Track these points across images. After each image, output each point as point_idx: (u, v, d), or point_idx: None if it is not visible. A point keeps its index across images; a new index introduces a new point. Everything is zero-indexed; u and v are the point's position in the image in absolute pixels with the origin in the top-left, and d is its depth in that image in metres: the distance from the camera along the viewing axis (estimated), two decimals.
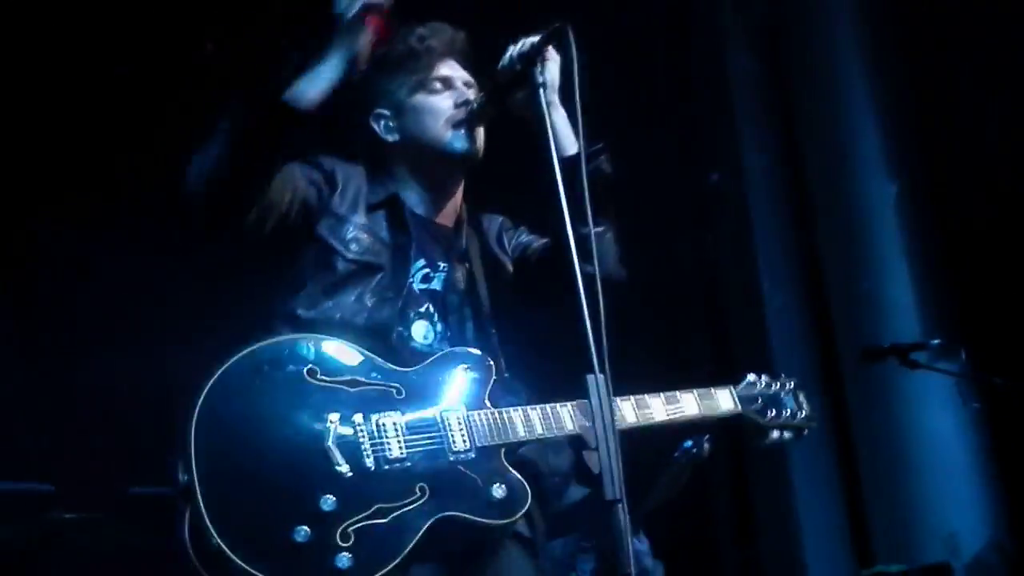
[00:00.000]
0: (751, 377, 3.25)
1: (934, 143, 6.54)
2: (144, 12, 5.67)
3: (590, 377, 2.24)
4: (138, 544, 5.05)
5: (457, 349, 2.90)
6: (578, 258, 2.45)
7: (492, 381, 2.83)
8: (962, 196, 6.34)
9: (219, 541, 2.41)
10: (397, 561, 2.53)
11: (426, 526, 2.59)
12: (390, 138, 3.10)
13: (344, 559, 2.48)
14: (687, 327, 7.10)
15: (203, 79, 5.83)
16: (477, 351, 2.89)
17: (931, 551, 5.72)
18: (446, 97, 3.06)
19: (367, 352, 2.76)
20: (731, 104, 7.01)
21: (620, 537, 2.08)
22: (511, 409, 2.79)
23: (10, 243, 5.65)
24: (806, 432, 3.29)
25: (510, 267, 3.19)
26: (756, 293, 6.67)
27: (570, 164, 2.64)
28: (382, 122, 3.11)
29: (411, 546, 2.55)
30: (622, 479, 2.10)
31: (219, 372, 2.59)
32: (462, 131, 3.02)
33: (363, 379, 2.70)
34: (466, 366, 2.84)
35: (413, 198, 3.10)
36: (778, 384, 3.28)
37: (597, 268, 2.46)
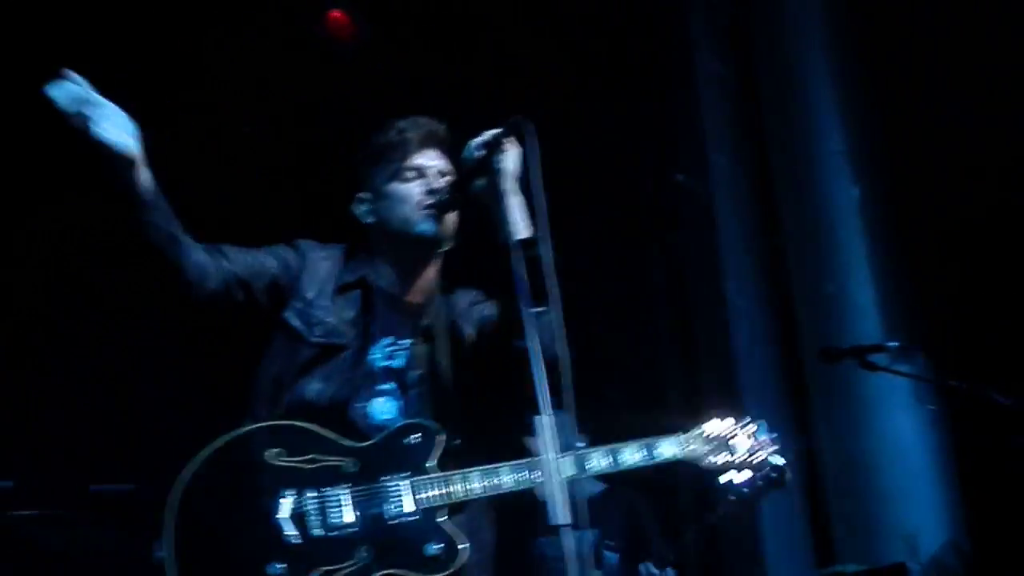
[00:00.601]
0: (702, 426, 3.31)
1: (898, 146, 6.59)
2: None
3: (536, 419, 2.44)
4: (97, 541, 5.05)
5: (408, 422, 3.11)
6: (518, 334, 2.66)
7: (440, 447, 3.05)
8: (925, 199, 6.39)
9: None
10: None
11: None
12: (368, 220, 3.35)
13: None
14: (652, 328, 7.13)
15: None
16: (426, 421, 3.11)
17: (891, 551, 5.76)
18: (417, 185, 3.27)
19: (328, 433, 3.02)
20: (697, 106, 7.04)
21: (569, 561, 2.30)
22: (455, 473, 3.02)
23: None
24: (775, 475, 3.31)
25: (471, 334, 3.37)
26: (719, 294, 6.71)
27: (517, 248, 2.86)
28: (362, 206, 3.37)
29: None
30: (570, 505, 2.31)
31: (198, 461, 2.91)
32: (430, 216, 3.22)
33: (321, 457, 2.98)
34: (415, 435, 3.07)
35: (385, 278, 3.31)
36: (733, 429, 3.33)
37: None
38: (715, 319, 6.78)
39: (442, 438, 3.07)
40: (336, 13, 6.58)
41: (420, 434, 3.08)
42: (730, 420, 3.31)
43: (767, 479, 3.27)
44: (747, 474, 3.25)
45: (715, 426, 3.29)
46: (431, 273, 3.37)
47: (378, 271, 3.31)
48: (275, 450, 2.95)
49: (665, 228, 7.07)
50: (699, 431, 3.28)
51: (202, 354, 5.56)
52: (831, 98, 6.66)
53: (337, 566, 2.85)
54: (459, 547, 2.93)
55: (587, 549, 5.42)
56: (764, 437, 3.32)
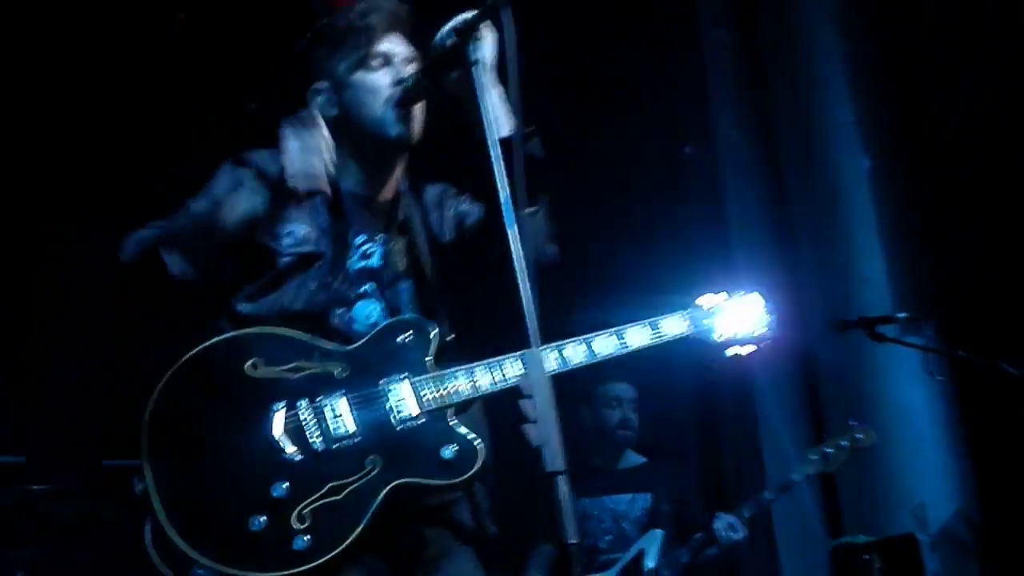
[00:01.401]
0: (702, 299, 3.17)
1: (909, 117, 6.56)
2: None
3: (531, 352, 2.22)
4: (109, 516, 5.06)
5: (395, 319, 2.90)
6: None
7: (436, 343, 2.84)
8: (935, 170, 6.36)
9: (181, 542, 2.52)
10: (355, 535, 2.59)
11: (381, 495, 2.63)
12: (329, 113, 3.03)
13: (302, 541, 2.56)
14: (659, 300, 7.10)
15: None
16: (415, 317, 2.91)
17: (901, 522, 5.77)
18: (384, 74, 3.01)
19: (307, 337, 2.80)
20: (705, 77, 7.01)
21: (562, 508, 2.08)
22: (457, 368, 2.80)
23: None
24: (762, 345, 3.18)
25: (449, 233, 3.17)
26: (729, 266, 6.69)
27: (503, 146, 2.59)
28: (320, 97, 3.06)
29: (368, 518, 2.61)
30: (563, 450, 2.10)
31: (162, 383, 2.68)
32: (398, 111, 2.98)
33: (306, 364, 2.75)
34: (406, 334, 2.84)
35: (351, 177, 3.06)
36: (734, 299, 3.18)
37: (520, 248, 2.44)
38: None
39: (435, 332, 2.85)
40: None
41: (411, 331, 2.84)
42: (724, 294, 3.17)
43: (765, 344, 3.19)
44: (751, 348, 3.16)
45: (714, 299, 3.15)
46: (398, 169, 3.13)
47: (343, 170, 3.01)
48: (252, 360, 2.71)
49: (673, 200, 7.03)
50: (701, 306, 3.13)
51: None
52: (840, 68, 6.62)
53: (345, 479, 2.64)
54: (476, 446, 2.69)
55: (639, 513, 5.48)
56: (763, 307, 3.19)
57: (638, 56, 6.98)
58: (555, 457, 2.08)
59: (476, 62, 2.68)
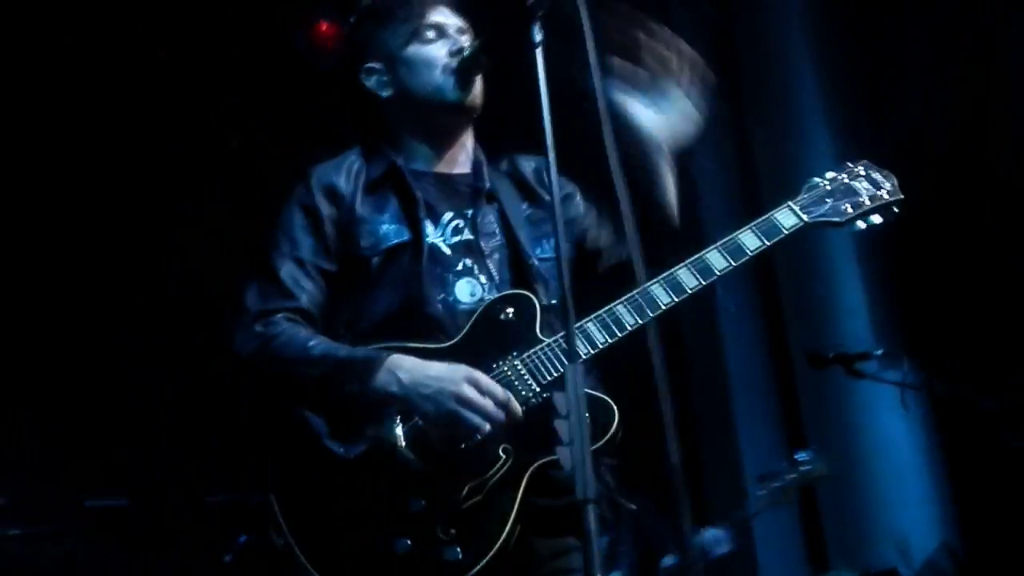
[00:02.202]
0: (813, 180, 3.00)
1: (886, 147, 6.58)
2: None
3: (568, 368, 2.10)
4: (88, 558, 4.99)
5: (491, 299, 2.77)
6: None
7: (539, 312, 2.72)
8: (914, 202, 6.36)
9: None
10: (507, 530, 2.49)
11: (524, 482, 2.53)
12: (384, 93, 2.99)
13: (453, 552, 2.46)
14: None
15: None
16: (512, 291, 2.78)
17: (884, 555, 5.77)
18: (440, 46, 2.94)
19: (410, 343, 2.68)
20: None
21: (589, 539, 1.96)
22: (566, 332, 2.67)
23: None
24: (896, 208, 3.01)
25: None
26: (710, 299, 6.69)
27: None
28: (374, 77, 3.01)
29: (515, 510, 2.50)
30: (593, 479, 1.97)
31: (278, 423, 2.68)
32: (457, 78, 2.89)
33: None
34: (507, 310, 2.73)
35: (420, 156, 2.98)
36: (845, 174, 3.02)
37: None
38: (706, 324, 6.76)
39: (536, 303, 2.72)
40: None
41: (511, 307, 2.72)
42: (831, 173, 2.99)
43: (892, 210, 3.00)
44: (877, 217, 2.98)
45: (825, 179, 2.98)
46: (468, 141, 3.03)
47: (409, 152, 2.97)
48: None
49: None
50: (812, 187, 2.96)
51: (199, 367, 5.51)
52: (818, 101, 6.65)
53: (481, 477, 2.51)
54: (610, 402, 2.53)
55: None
56: (876, 172, 3.03)
57: None
58: (587, 483, 1.96)
59: (541, 43, 2.43)
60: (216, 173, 6.15)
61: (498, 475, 2.53)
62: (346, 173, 2.94)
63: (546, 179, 2.95)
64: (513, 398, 2.58)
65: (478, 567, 2.44)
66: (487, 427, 2.53)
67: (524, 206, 3.00)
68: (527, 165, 3.08)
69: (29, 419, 5.68)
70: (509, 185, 3.03)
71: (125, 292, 5.94)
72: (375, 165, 2.96)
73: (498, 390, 2.57)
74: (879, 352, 4.97)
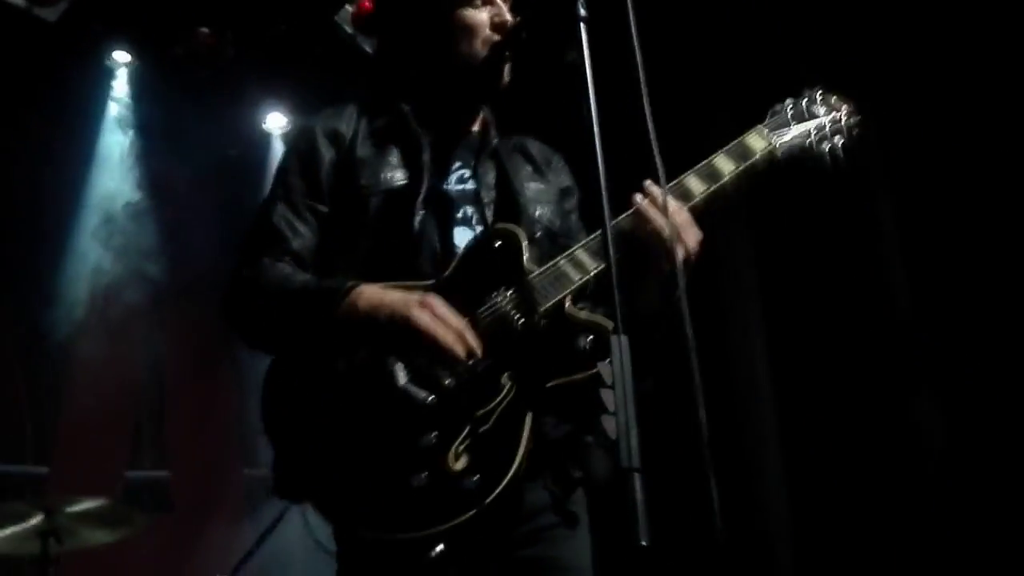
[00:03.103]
0: (775, 106, 3.06)
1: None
2: None
3: (613, 338, 2.07)
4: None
5: (477, 234, 2.80)
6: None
7: (524, 245, 2.71)
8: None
9: (369, 531, 2.46)
10: (520, 455, 2.47)
11: (529, 410, 2.52)
12: (416, 50, 3.02)
13: (470, 481, 2.45)
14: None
15: None
16: (496, 226, 2.79)
17: None
18: (486, 11, 2.93)
19: (399, 282, 2.66)
20: None
21: (634, 507, 1.92)
22: (558, 258, 2.69)
23: None
24: (856, 129, 3.06)
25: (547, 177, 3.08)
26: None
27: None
28: (411, 32, 3.04)
29: (526, 433, 2.49)
30: (638, 448, 1.96)
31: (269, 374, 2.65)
32: (493, 52, 2.90)
33: None
34: (495, 243, 2.74)
35: (440, 108, 2.99)
36: (803, 99, 3.07)
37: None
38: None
39: (521, 236, 2.71)
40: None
41: (499, 240, 2.73)
42: (790, 100, 3.05)
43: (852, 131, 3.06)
44: (839, 138, 3.03)
45: (786, 105, 3.04)
46: (486, 108, 3.07)
47: (424, 106, 2.97)
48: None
49: None
50: (775, 113, 3.02)
51: None
52: None
53: (489, 404, 2.50)
54: (609, 326, 2.34)
55: None
56: (832, 96, 3.08)
57: None
58: (632, 453, 1.95)
59: (585, 18, 2.41)
60: None
61: (504, 403, 2.52)
62: (348, 118, 2.96)
63: (554, 163, 3.09)
64: (470, 330, 2.57)
65: (497, 491, 2.43)
66: (447, 350, 2.53)
67: (528, 170, 3.05)
68: (535, 145, 3.14)
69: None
70: (515, 153, 3.07)
71: None
72: (381, 112, 2.98)
73: (451, 318, 2.56)
74: None
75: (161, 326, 7.24)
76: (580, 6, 2.40)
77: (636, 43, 2.35)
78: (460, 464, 2.46)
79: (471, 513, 2.41)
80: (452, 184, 2.89)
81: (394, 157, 2.87)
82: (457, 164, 2.93)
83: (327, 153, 2.89)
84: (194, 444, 7.09)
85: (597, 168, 2.24)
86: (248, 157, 7.59)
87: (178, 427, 7.15)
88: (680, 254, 2.59)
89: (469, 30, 2.93)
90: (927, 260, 5.72)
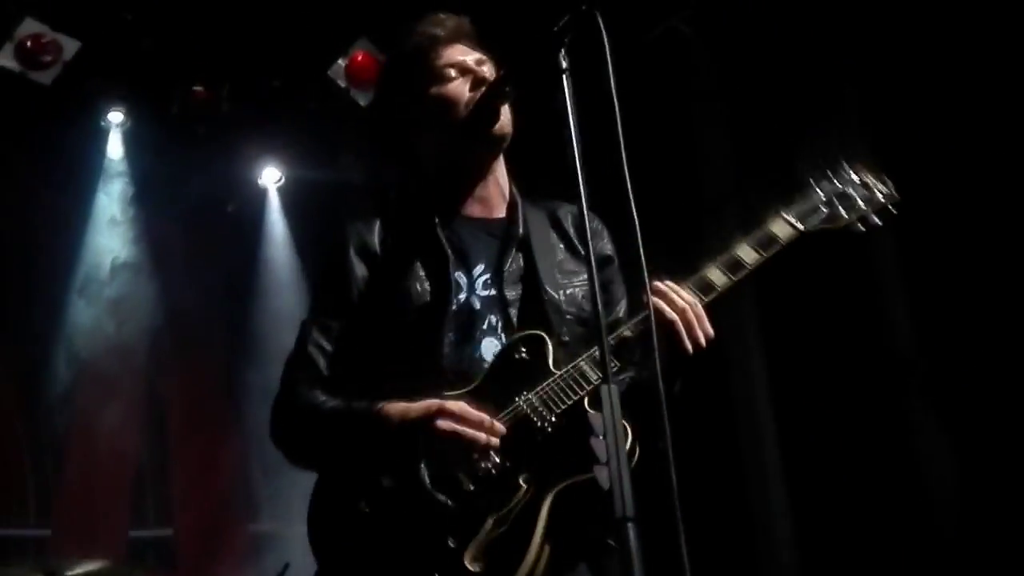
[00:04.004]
0: (807, 187, 2.97)
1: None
2: None
3: (602, 388, 2.10)
4: None
5: (508, 340, 2.81)
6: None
7: (551, 348, 2.75)
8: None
9: None
10: (531, 556, 2.53)
11: (544, 510, 2.57)
12: (415, 136, 3.03)
13: None
14: None
15: None
16: (522, 333, 2.80)
17: None
18: (462, 83, 2.96)
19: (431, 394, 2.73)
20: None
21: (629, 555, 1.95)
22: (578, 360, 2.70)
23: None
24: (894, 210, 3.00)
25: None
26: None
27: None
28: (406, 121, 3.04)
29: (538, 536, 2.55)
30: (631, 496, 1.98)
31: (318, 484, 2.76)
32: (483, 111, 2.90)
33: None
34: (520, 351, 2.77)
35: (453, 198, 3.01)
36: (838, 180, 2.99)
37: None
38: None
39: (547, 341, 2.75)
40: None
41: (524, 347, 2.76)
42: (825, 180, 2.96)
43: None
44: (875, 219, 2.97)
45: (820, 185, 2.95)
46: (502, 178, 3.05)
47: (442, 194, 2.99)
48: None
49: None
50: (806, 195, 2.94)
51: None
52: None
53: (504, 508, 2.56)
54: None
55: None
56: (870, 176, 3.00)
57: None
58: (625, 501, 1.98)
59: (566, 70, 2.42)
60: None
61: (520, 504, 2.58)
62: (379, 228, 2.98)
63: (581, 223, 3.00)
64: (489, 418, 2.63)
65: None
66: (476, 449, 2.60)
67: (558, 252, 3.02)
68: (569, 212, 3.08)
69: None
70: (546, 227, 3.05)
71: None
72: (408, 217, 3.00)
73: (471, 412, 2.62)
74: None
75: (161, 382, 7.24)
76: (561, 58, 2.40)
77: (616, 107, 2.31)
78: (477, 566, 2.53)
79: None
80: (479, 290, 2.90)
81: (422, 272, 2.89)
82: (481, 267, 2.92)
83: (358, 269, 2.93)
84: (198, 500, 7.07)
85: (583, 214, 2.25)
86: (244, 211, 7.64)
87: (181, 483, 7.13)
88: (690, 347, 2.65)
89: (451, 103, 2.95)
90: (927, 284, 5.74)
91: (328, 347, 2.88)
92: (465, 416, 2.61)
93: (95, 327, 6.75)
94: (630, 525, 1.97)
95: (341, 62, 6.66)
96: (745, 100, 6.47)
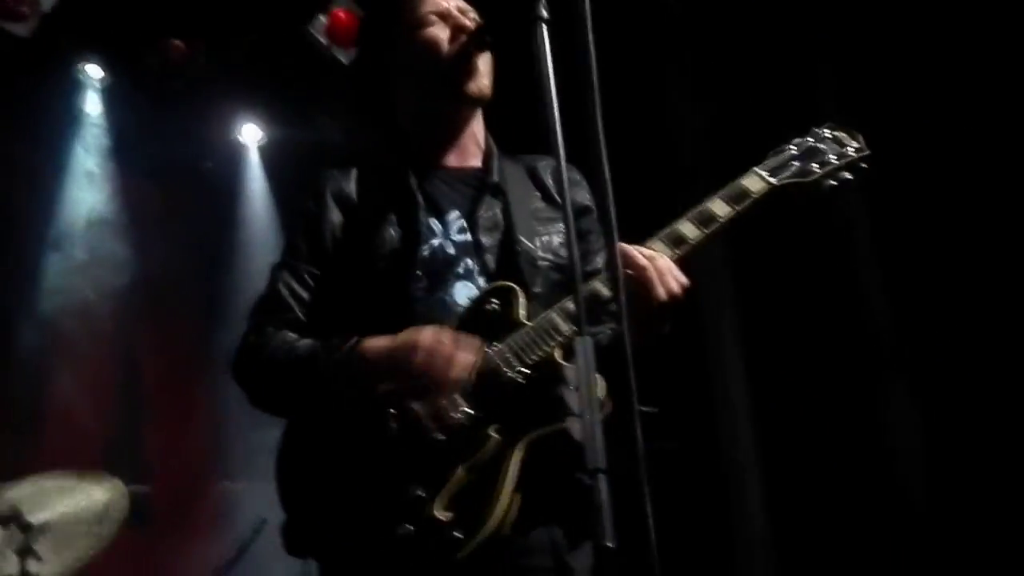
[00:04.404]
0: (780, 146, 2.98)
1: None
2: None
3: (576, 340, 2.05)
4: None
5: (474, 297, 2.80)
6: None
7: (523, 300, 2.73)
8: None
9: None
10: (501, 507, 2.52)
11: (514, 460, 2.57)
12: (395, 84, 3.03)
13: (452, 533, 2.51)
14: None
15: None
16: (492, 284, 2.80)
17: None
18: (442, 28, 2.95)
19: None
20: None
21: (599, 508, 1.92)
22: (549, 311, 2.68)
23: None
24: (865, 164, 2.99)
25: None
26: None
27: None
28: (386, 69, 3.04)
29: (508, 486, 2.54)
30: (604, 448, 1.95)
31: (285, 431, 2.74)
32: (462, 62, 2.91)
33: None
34: (492, 302, 2.75)
35: (430, 147, 3.01)
36: (810, 137, 3.00)
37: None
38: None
39: (519, 293, 2.74)
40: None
41: (496, 299, 2.75)
42: (797, 139, 2.97)
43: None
44: (846, 174, 2.95)
45: (791, 145, 2.95)
46: (479, 131, 3.06)
47: (419, 143, 3.01)
48: (336, 378, 2.68)
49: None
50: (778, 152, 2.93)
51: None
52: None
53: (475, 457, 2.57)
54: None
55: None
56: (841, 132, 3.00)
57: None
58: (597, 453, 1.94)
59: (542, 18, 2.34)
60: None
61: (490, 453, 2.58)
62: (356, 177, 2.99)
63: (558, 171, 2.96)
64: (467, 351, 2.62)
65: (478, 539, 2.49)
66: (442, 393, 2.60)
67: (535, 200, 3.01)
68: (547, 165, 3.08)
69: None
70: (523, 178, 3.04)
71: None
72: (383, 166, 3.01)
73: (441, 352, 2.61)
74: None
75: (135, 340, 7.21)
76: (541, 7, 2.34)
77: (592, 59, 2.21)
78: (446, 516, 2.53)
79: (452, 562, 2.48)
80: (454, 235, 2.89)
81: (392, 218, 2.88)
82: (455, 214, 2.92)
83: (335, 216, 2.93)
84: (172, 458, 7.05)
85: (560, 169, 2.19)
86: (222, 169, 7.59)
87: (155, 441, 7.11)
88: (663, 297, 2.61)
89: (430, 48, 2.94)
90: (902, 263, 5.76)
91: (300, 291, 2.86)
92: (437, 352, 2.61)
93: (69, 285, 6.71)
94: (602, 477, 1.94)
95: (321, 18, 6.61)
96: (721, 72, 6.47)
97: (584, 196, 3.02)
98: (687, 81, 6.79)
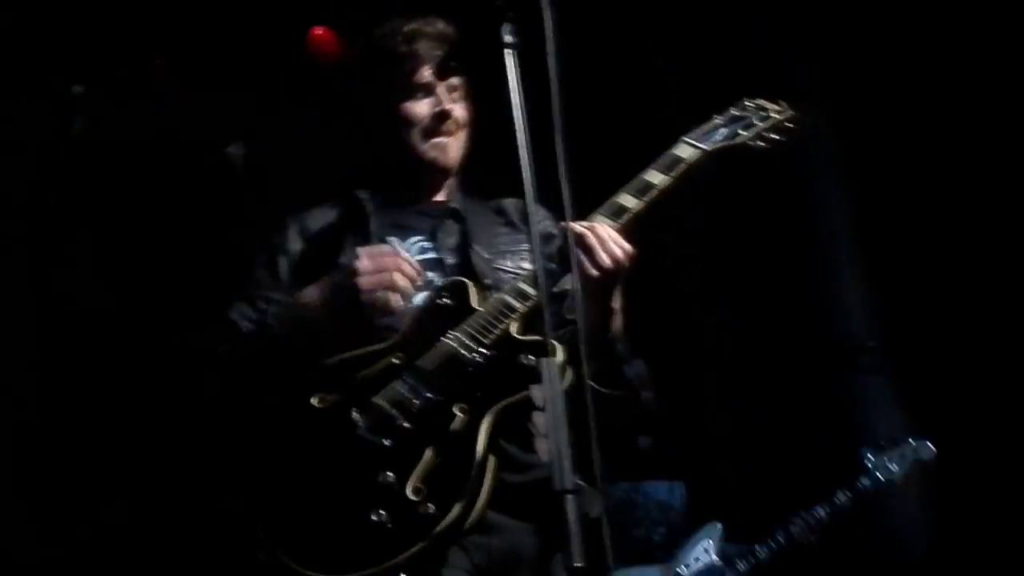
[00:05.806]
0: (705, 121, 3.13)
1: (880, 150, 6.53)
2: None
3: (543, 361, 2.14)
4: None
5: (426, 294, 2.90)
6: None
7: (473, 291, 2.84)
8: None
9: None
10: (472, 474, 2.57)
11: (483, 429, 2.62)
12: (371, 136, 3.20)
13: (427, 510, 2.54)
14: None
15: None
16: (442, 280, 2.93)
17: None
18: (425, 104, 3.10)
19: (358, 351, 2.81)
20: None
21: (570, 529, 1.99)
22: (499, 292, 2.81)
23: None
24: (791, 125, 3.13)
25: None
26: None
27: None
28: (361, 115, 3.19)
29: (479, 458, 2.59)
30: (571, 469, 2.01)
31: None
32: (433, 139, 3.08)
33: (365, 372, 2.76)
34: (442, 297, 2.86)
35: (399, 194, 3.16)
36: (737, 108, 3.15)
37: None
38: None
39: (469, 284, 2.86)
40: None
41: (447, 292, 2.87)
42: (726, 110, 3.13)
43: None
44: (773, 135, 3.09)
45: (719, 115, 3.11)
46: (446, 184, 3.23)
47: (390, 189, 3.16)
48: (315, 396, 2.75)
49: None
50: (706, 122, 3.10)
51: None
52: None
53: (441, 438, 2.63)
54: (554, 343, 2.31)
55: (680, 500, 5.42)
56: (768, 101, 3.17)
57: None
58: (565, 475, 2.00)
59: (513, 45, 2.38)
60: None
61: (457, 429, 2.63)
62: (316, 215, 3.14)
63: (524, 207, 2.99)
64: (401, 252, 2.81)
65: (452, 516, 2.52)
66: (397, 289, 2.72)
67: (498, 227, 3.16)
68: (513, 203, 3.21)
69: None
70: (487, 211, 3.19)
71: None
72: (351, 198, 3.14)
73: (382, 259, 2.76)
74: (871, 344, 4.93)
75: None
76: (505, 32, 2.40)
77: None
78: (419, 495, 2.56)
79: (428, 540, 2.51)
80: (414, 253, 2.99)
81: (352, 239, 3.00)
82: (416, 237, 3.06)
83: (295, 246, 3.06)
84: None
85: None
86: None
87: None
88: (606, 263, 2.70)
89: (409, 123, 3.08)
90: (881, 264, 5.82)
91: (252, 315, 2.92)
92: (381, 264, 2.74)
93: None
94: (570, 499, 2.00)
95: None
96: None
97: (551, 227, 3.06)
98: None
